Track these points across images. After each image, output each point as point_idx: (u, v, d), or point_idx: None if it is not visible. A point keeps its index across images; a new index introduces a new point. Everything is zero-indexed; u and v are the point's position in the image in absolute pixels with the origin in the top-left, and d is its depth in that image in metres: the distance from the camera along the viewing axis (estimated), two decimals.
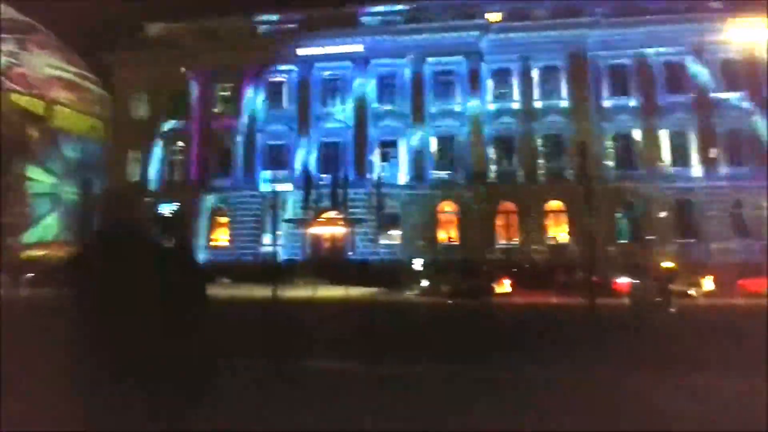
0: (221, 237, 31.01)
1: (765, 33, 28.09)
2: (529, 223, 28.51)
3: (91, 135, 36.28)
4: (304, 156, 30.45)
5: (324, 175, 29.08)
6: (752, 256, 25.47)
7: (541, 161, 29.46)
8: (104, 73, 35.55)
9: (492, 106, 30.13)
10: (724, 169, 28.35)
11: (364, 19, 31.56)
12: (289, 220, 28.72)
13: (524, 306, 18.40)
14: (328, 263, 25.13)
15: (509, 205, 29.19)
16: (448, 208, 29.46)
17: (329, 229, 29.42)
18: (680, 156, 28.98)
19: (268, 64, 31.10)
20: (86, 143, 35.61)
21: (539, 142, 29.66)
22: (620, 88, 29.93)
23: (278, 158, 31.00)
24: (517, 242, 28.70)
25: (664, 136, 29.12)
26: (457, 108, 30.06)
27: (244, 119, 31.12)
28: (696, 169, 28.69)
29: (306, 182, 27.64)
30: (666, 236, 27.41)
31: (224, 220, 30.94)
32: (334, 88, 31.28)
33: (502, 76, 30.47)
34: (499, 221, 29.23)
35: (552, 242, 28.64)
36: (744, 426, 4.83)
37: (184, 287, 2.05)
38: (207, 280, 2.41)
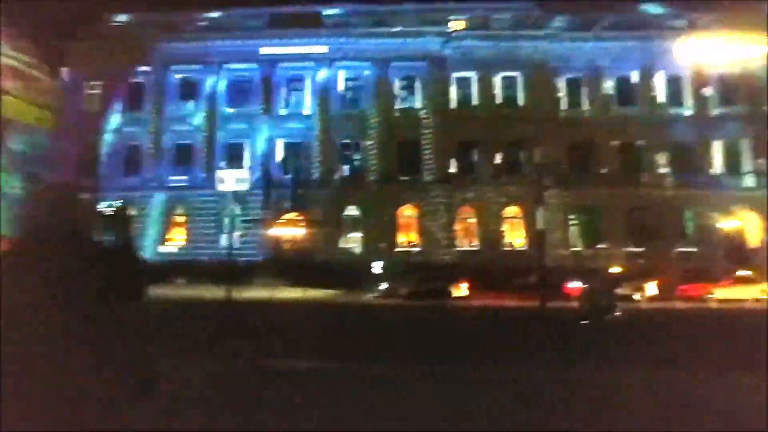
0: (178, 236, 30.15)
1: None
2: (487, 228, 29.23)
3: (40, 126, 34.38)
4: (266, 156, 30.04)
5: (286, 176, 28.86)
6: (694, 263, 27.19)
7: (500, 165, 30.18)
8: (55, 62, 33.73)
9: (456, 113, 30.63)
10: (668, 180, 30.00)
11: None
12: (248, 221, 28.22)
13: (480, 308, 18.88)
14: (287, 264, 24.88)
15: (469, 210, 29.81)
16: (409, 211, 29.80)
17: (290, 230, 29.15)
18: (633, 165, 30.34)
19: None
20: (34, 134, 33.72)
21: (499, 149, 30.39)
22: (576, 99, 31.11)
23: (235, 155, 30.44)
24: (475, 246, 29.32)
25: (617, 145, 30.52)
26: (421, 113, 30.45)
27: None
28: (644, 177, 30.14)
29: (266, 182, 27.33)
30: (616, 242, 28.73)
31: (181, 219, 30.12)
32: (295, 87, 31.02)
33: (464, 84, 31.08)
34: (459, 225, 29.80)
35: (509, 247, 29.45)
36: (679, 414, 5.21)
37: (122, 286, 2.04)
38: (152, 280, 2.41)
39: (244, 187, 24.57)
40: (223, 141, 30.61)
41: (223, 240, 23.06)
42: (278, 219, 28.25)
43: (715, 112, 30.55)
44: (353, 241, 29.08)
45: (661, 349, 9.77)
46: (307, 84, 31.06)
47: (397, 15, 31.27)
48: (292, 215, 28.46)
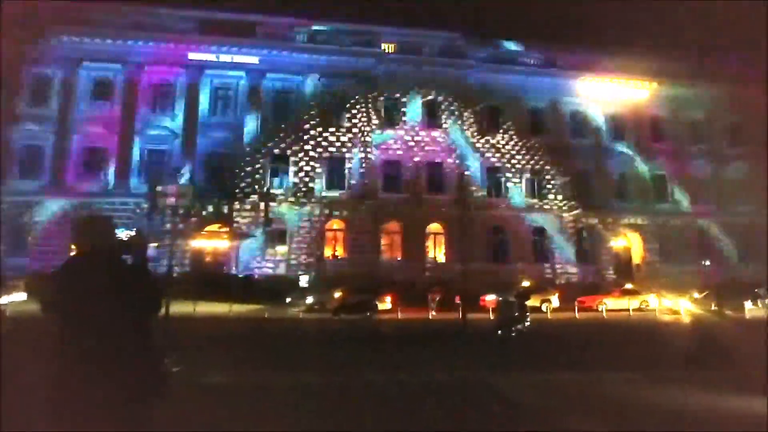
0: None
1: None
2: (411, 243, 30.43)
3: None
4: (188, 165, 28.78)
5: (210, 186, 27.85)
6: (590, 277, 30.51)
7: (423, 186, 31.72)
8: None
9: (380, 133, 31.64)
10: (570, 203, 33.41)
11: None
12: (165, 231, 26.73)
13: (404, 321, 19.66)
14: (209, 278, 23.96)
15: (394, 226, 30.86)
16: (336, 225, 30.16)
17: (212, 242, 28.11)
18: (538, 191, 33.37)
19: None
20: None
21: (423, 169, 31.93)
22: (494, 125, 33.64)
23: (154, 163, 28.84)
24: (400, 260, 30.35)
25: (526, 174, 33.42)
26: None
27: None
28: (547, 202, 33.25)
29: (189, 192, 26.12)
30: (527, 258, 31.33)
31: None
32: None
33: (392, 104, 32.28)
34: (384, 240, 30.71)
35: (431, 262, 30.88)
36: (583, 412, 6.14)
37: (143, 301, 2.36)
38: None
39: (165, 197, 23.30)
40: (141, 146, 28.93)
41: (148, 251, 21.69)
42: (200, 231, 27.14)
43: (609, 145, 34.66)
44: (280, 255, 28.74)
45: (561, 354, 11.17)
46: (236, 93, 30.38)
47: (330, 32, 31.87)
48: (215, 227, 27.50)
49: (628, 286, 27.15)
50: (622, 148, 34.66)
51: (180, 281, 23.16)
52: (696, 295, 23.72)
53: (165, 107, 29.73)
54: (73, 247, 2.55)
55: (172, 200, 26.73)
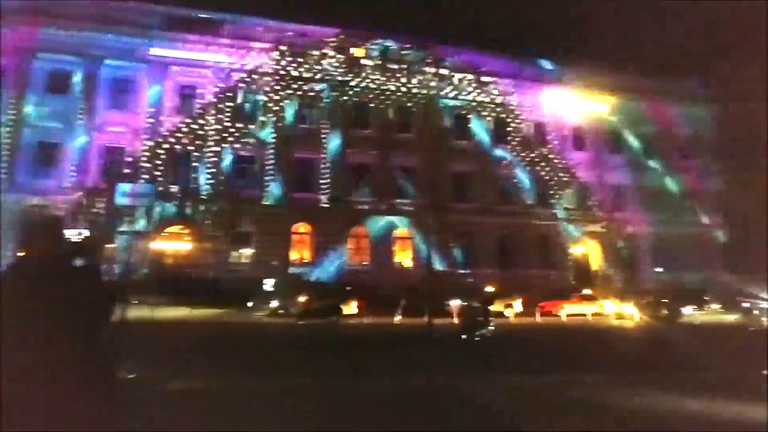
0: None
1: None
2: (377, 248, 30.47)
3: None
4: (151, 163, 27.85)
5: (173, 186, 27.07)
6: (552, 282, 31.34)
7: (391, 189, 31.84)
8: None
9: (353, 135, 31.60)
10: (534, 210, 34.33)
11: None
12: (125, 232, 25.79)
13: (370, 326, 19.63)
14: (170, 281, 23.20)
15: (361, 230, 30.83)
16: (303, 228, 29.86)
17: (175, 244, 27.26)
18: (504, 196, 34.06)
19: None
20: None
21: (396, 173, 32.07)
22: (462, 133, 34.23)
23: (113, 161, 27.77)
24: (367, 265, 30.31)
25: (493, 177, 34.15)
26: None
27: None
28: (515, 208, 34.03)
29: (150, 192, 25.33)
30: (491, 263, 31.90)
31: None
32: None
33: (362, 109, 32.29)
34: (351, 244, 30.62)
35: (398, 266, 30.99)
36: (545, 414, 6.30)
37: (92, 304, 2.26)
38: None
39: (127, 196, 22.52)
40: (99, 143, 27.75)
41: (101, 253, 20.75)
42: (162, 232, 26.28)
43: (572, 154, 35.87)
44: (244, 258, 28.17)
45: (523, 357, 11.44)
46: (201, 92, 29.63)
47: (300, 36, 31.67)
48: (177, 228, 26.67)
49: (587, 291, 28.11)
50: (582, 158, 35.94)
51: (138, 284, 22.33)
52: (644, 300, 24.74)
53: (126, 103, 28.66)
54: (21, 248, 2.41)
55: (131, 200, 25.89)
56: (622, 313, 24.17)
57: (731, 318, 21.81)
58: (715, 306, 27.28)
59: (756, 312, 18.46)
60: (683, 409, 6.56)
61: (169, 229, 26.78)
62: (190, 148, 28.66)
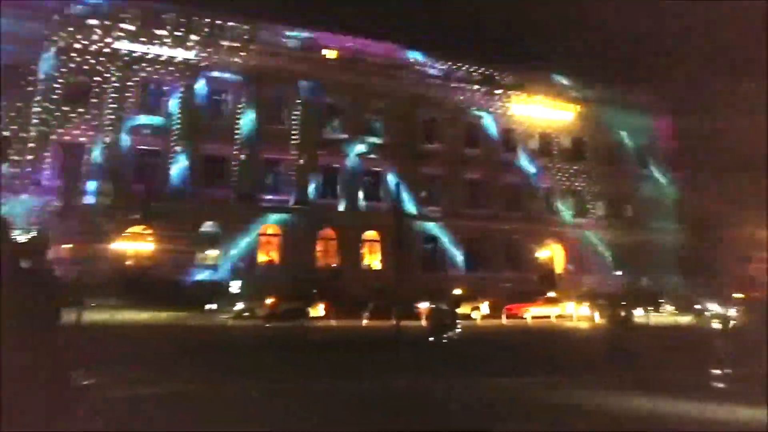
0: None
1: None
2: (347, 250, 30.34)
3: None
4: (112, 161, 26.78)
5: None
6: (519, 285, 31.99)
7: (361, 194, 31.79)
8: None
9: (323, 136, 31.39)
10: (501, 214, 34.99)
11: None
12: (84, 233, 24.65)
13: (338, 328, 19.52)
14: (132, 283, 22.36)
15: (330, 232, 30.63)
16: (271, 230, 29.43)
17: (137, 245, 26.29)
18: (474, 199, 34.56)
19: None
20: None
21: (360, 176, 31.97)
22: (433, 136, 34.53)
23: (73, 157, 26.56)
24: (336, 267, 30.11)
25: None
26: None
27: None
28: (484, 212, 34.59)
29: (112, 191, 24.36)
30: (457, 267, 32.34)
31: None
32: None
33: (335, 110, 32.10)
34: (320, 247, 30.38)
35: (367, 269, 30.94)
36: (511, 415, 6.40)
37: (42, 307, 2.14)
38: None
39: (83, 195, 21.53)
40: (56, 140, 26.48)
41: (50, 254, 19.75)
42: (123, 232, 25.32)
43: (536, 161, 36.79)
44: (210, 259, 27.49)
45: (488, 359, 11.63)
46: (168, 89, 28.74)
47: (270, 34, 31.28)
48: (139, 229, 25.74)
49: (551, 294, 28.85)
50: (546, 164, 36.91)
51: (97, 286, 21.43)
52: (602, 302, 25.54)
53: (86, 98, 27.50)
54: None
55: (90, 198, 24.85)
56: (583, 315, 24.94)
57: (685, 320, 22.81)
58: (670, 308, 28.55)
59: (707, 314, 19.40)
60: (638, 407, 6.82)
61: (131, 230, 25.84)
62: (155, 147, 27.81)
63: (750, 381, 8.87)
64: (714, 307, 19.58)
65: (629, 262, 36.70)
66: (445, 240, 32.97)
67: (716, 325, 15.45)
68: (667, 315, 27.15)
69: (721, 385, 8.83)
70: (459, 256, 32.99)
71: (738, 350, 10.05)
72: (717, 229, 36.62)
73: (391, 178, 31.48)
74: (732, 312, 15.59)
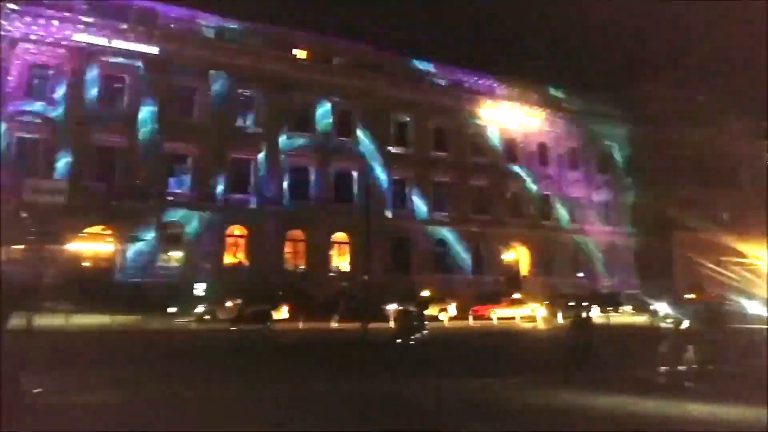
0: None
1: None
2: (315, 252, 30.11)
3: None
4: (68, 158, 25.63)
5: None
6: (486, 287, 32.58)
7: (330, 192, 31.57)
8: None
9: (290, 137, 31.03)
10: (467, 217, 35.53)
11: None
12: (38, 233, 23.44)
13: (305, 331, 19.34)
14: (89, 286, 21.46)
15: (298, 233, 30.32)
16: (238, 231, 28.90)
17: (94, 245, 25.28)
18: (441, 204, 34.97)
19: None
20: None
21: (331, 177, 31.81)
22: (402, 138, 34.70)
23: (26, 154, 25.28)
24: (303, 268, 29.81)
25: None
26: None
27: None
28: (448, 216, 34.99)
29: (64, 189, 23.19)
30: (429, 269, 32.58)
31: None
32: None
33: (303, 109, 31.76)
34: (288, 248, 30.03)
35: (335, 270, 30.78)
36: (477, 415, 6.50)
37: None
38: None
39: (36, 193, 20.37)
40: (7, 136, 25.12)
41: None
42: (79, 232, 24.28)
43: (504, 165, 37.50)
44: (174, 260, 26.73)
45: (455, 360, 11.79)
46: (132, 85, 27.71)
47: (241, 31, 30.79)
48: (97, 228, 24.77)
49: (516, 296, 29.51)
50: (515, 169, 37.74)
51: (51, 290, 20.46)
52: (564, 303, 26.30)
53: (43, 92, 26.28)
54: None
55: (44, 197, 23.68)
56: (546, 316, 25.60)
57: (641, 320, 23.77)
58: (628, 309, 29.71)
59: (661, 314, 20.27)
60: (594, 406, 7.08)
61: (88, 230, 24.84)
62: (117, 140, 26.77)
63: (699, 378, 9.36)
64: (665, 308, 20.50)
65: (592, 265, 38.01)
66: (415, 242, 33.14)
67: (667, 325, 16.22)
68: (625, 315, 28.22)
69: (663, 381, 9.27)
70: (429, 258, 33.20)
71: (686, 349, 10.56)
72: (670, 233, 38.45)
73: (360, 180, 31.53)
74: (682, 312, 16.36)
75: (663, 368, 9.97)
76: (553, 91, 39.79)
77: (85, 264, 25.23)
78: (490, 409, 6.93)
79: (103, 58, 26.84)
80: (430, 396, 7.53)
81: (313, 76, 31.54)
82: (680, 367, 10.06)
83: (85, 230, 24.75)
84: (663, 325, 17.80)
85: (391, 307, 22.79)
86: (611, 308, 28.90)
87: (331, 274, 30.20)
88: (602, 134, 41.00)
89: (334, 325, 20.97)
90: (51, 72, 26.28)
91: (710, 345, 10.42)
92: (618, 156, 41.62)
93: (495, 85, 38.01)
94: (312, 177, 31.18)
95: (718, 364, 9.87)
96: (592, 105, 41.19)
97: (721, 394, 7.59)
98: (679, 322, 14.56)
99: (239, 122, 30.29)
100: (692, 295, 22.15)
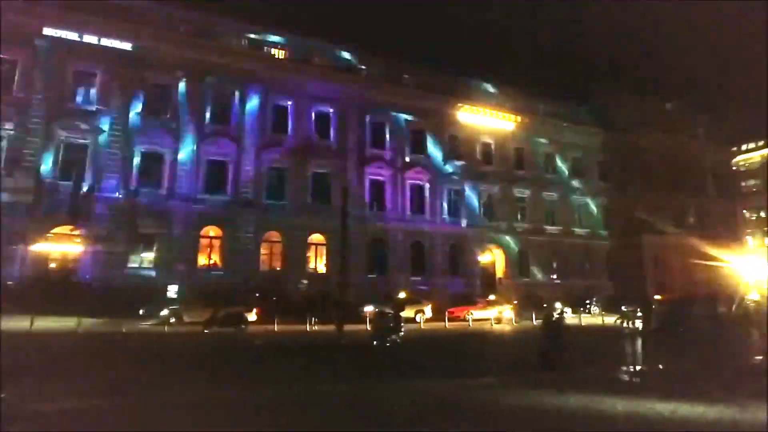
0: None
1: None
2: (292, 253, 29.85)
3: None
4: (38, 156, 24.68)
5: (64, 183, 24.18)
6: (461, 289, 32.88)
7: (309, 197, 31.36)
8: None
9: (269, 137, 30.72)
10: (447, 219, 35.83)
11: None
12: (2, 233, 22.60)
13: (280, 333, 19.14)
14: (56, 287, 20.73)
15: (275, 235, 30.00)
16: (213, 232, 28.41)
17: (61, 246, 24.45)
18: (418, 206, 35.12)
19: None
20: None
21: (309, 178, 31.59)
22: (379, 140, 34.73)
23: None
24: (280, 270, 29.49)
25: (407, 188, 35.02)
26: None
27: None
28: (427, 218, 35.21)
29: (36, 189, 22.42)
30: (401, 271, 32.68)
31: None
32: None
33: (280, 111, 31.51)
34: (264, 250, 29.68)
35: (312, 272, 30.55)
36: (451, 416, 6.57)
37: None
38: None
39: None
40: None
41: None
42: (46, 233, 23.46)
43: (481, 168, 37.92)
44: (146, 262, 26.06)
45: (431, 361, 11.87)
46: (104, 81, 26.98)
47: (217, 27, 30.36)
48: (65, 229, 23.95)
49: (491, 297, 29.87)
50: (488, 172, 38.17)
51: (15, 292, 19.74)
52: (538, 304, 26.80)
53: (8, 86, 25.30)
54: None
55: (9, 196, 22.85)
56: (519, 317, 26.03)
57: (611, 320, 24.38)
58: (598, 310, 30.50)
59: (631, 314, 20.85)
60: (566, 405, 7.24)
61: (56, 230, 24.02)
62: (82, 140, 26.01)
63: (661, 377, 9.69)
64: (631, 309, 21.12)
65: (564, 267, 38.85)
66: (392, 244, 33.18)
67: (633, 326, 16.72)
68: (595, 316, 28.94)
69: (631, 380, 9.56)
70: (406, 260, 33.30)
71: (650, 349, 10.92)
72: (638, 236, 39.68)
73: (338, 182, 31.36)
74: (647, 313, 16.87)
75: (625, 368, 10.30)
76: (525, 98, 40.54)
77: (52, 265, 24.37)
78: (464, 410, 7.00)
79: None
80: (404, 398, 7.57)
81: (290, 75, 31.36)
82: (640, 367, 10.41)
83: (52, 231, 23.96)
84: (630, 325, 18.34)
85: (368, 309, 22.79)
86: (582, 308, 29.66)
87: (308, 275, 29.89)
88: (575, 140, 42.02)
89: (312, 327, 20.82)
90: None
91: (664, 345, 10.78)
92: (588, 162, 42.69)
93: (472, 89, 38.47)
94: (288, 178, 30.90)
95: (671, 363, 10.24)
96: (566, 111, 42.22)
97: (663, 392, 7.85)
98: (647, 322, 15.03)
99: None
100: (658, 297, 22.85)
